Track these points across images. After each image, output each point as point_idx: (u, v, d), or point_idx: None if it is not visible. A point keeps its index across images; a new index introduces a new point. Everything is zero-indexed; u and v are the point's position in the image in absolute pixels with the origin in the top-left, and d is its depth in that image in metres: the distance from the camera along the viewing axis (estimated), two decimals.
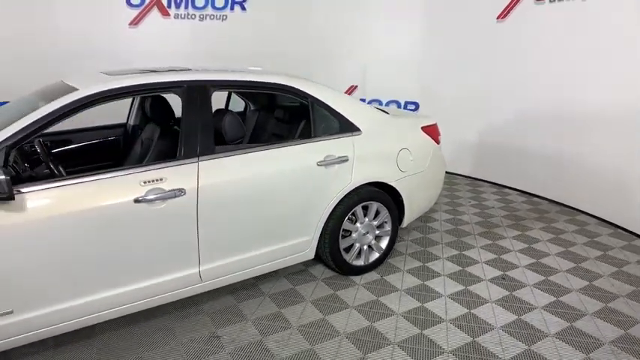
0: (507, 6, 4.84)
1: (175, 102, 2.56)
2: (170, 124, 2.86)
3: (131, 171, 2.09)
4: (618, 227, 3.90)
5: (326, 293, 2.80)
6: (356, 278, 2.99)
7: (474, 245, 3.52)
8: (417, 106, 6.06)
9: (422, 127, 3.27)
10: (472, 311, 2.60)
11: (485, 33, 5.06)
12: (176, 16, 6.29)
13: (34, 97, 2.45)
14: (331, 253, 2.85)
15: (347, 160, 2.75)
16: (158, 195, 2.11)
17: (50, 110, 2.00)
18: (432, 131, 3.32)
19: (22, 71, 5.29)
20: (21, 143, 1.94)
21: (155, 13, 6.18)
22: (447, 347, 2.28)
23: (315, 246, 2.80)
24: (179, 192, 2.16)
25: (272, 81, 2.67)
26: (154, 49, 6.16)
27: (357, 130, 2.86)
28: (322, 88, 2.82)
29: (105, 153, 3.33)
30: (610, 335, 2.36)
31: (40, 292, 1.94)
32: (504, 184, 5.16)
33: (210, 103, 2.39)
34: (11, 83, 5.19)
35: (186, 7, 6.32)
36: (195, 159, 2.25)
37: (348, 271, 2.99)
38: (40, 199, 1.86)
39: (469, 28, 5.21)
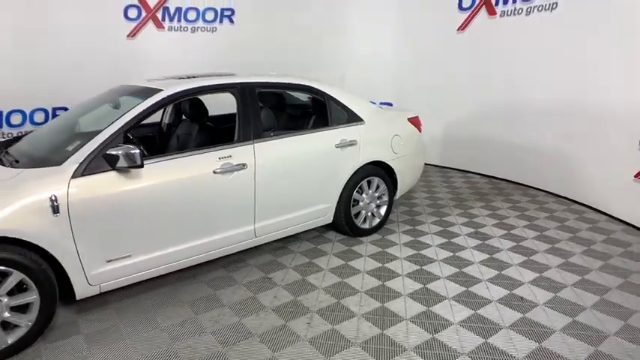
0: (465, 20, 5.83)
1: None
2: (204, 120, 3.54)
3: (211, 150, 2.78)
4: (561, 197, 4.91)
5: (343, 249, 3.56)
6: (363, 238, 3.77)
7: (450, 213, 4.40)
8: (391, 105, 6.96)
9: (408, 118, 4.11)
10: (456, 254, 3.45)
11: (448, 42, 6.02)
12: (170, 29, 6.88)
13: (108, 97, 3.07)
14: (345, 217, 3.62)
15: (356, 143, 3.54)
16: (229, 168, 2.81)
17: (149, 105, 2.66)
18: (415, 122, 4.17)
19: (26, 80, 5.72)
20: (130, 129, 2.58)
21: (151, 25, 6.74)
22: (442, 275, 3.10)
23: (333, 212, 3.56)
24: (243, 166, 2.87)
25: (298, 82, 3.44)
26: (150, 59, 6.71)
27: (361, 120, 3.66)
28: (334, 88, 3.61)
29: (145, 146, 3.93)
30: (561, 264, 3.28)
31: (150, 240, 2.59)
32: (468, 169, 6.12)
33: (257, 99, 3.11)
34: (15, 91, 5.64)
35: (179, 20, 6.91)
36: (251, 141, 2.97)
37: (357, 233, 3.76)
38: (155, 169, 2.52)
39: (434, 38, 6.16)
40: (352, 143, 3.52)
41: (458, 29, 5.92)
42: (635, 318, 2.59)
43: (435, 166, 6.45)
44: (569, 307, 2.71)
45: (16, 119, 5.87)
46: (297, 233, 3.51)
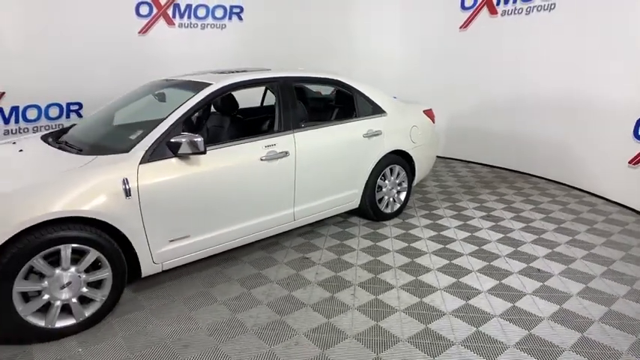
0: (468, 18, 6.14)
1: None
2: (234, 113, 3.77)
3: (259, 139, 3.02)
4: (560, 183, 5.26)
5: (369, 231, 3.83)
6: (386, 222, 4.04)
7: (461, 199, 4.71)
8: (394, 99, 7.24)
9: (423, 111, 4.40)
10: (474, 234, 3.75)
11: (451, 40, 6.33)
12: (180, 25, 7.04)
13: (149, 90, 3.34)
14: (370, 202, 3.89)
15: (380, 133, 3.81)
16: (273, 155, 3.05)
17: (202, 97, 2.88)
18: (429, 114, 4.46)
19: (41, 76, 5.84)
20: (186, 119, 2.80)
21: (162, 22, 6.89)
22: (464, 252, 3.39)
23: (360, 197, 3.83)
24: (285, 154, 3.12)
25: (328, 77, 3.69)
26: (161, 55, 6.88)
27: (384, 112, 3.93)
28: (359, 82, 3.87)
29: None
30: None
31: (206, 222, 2.82)
32: (471, 160, 6.45)
33: (295, 92, 3.36)
34: (30, 86, 5.76)
35: (189, 17, 7.08)
36: (292, 131, 3.22)
37: (380, 217, 4.04)
38: (211, 156, 2.74)
39: (438, 35, 6.47)
40: (377, 133, 3.79)
41: (460, 27, 6.24)
42: (639, 283, 2.93)
43: (439, 157, 6.75)
44: (581, 276, 3.03)
45: (31, 114, 5.98)
46: (324, 218, 3.76)
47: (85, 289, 2.40)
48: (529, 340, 2.34)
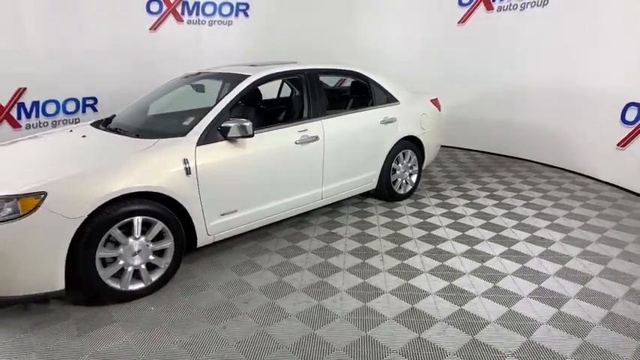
0: (465, 14, 6.53)
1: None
2: (258, 104, 4.09)
3: (293, 124, 3.36)
4: (553, 166, 5.70)
5: (386, 210, 4.19)
6: (399, 202, 4.41)
7: (464, 182, 5.11)
8: None
9: (430, 100, 4.77)
10: (480, 211, 4.14)
11: (449, 34, 6.71)
12: (189, 22, 7.32)
13: (185, 82, 3.71)
14: (386, 184, 4.25)
15: (395, 120, 4.17)
16: (306, 139, 3.39)
17: (244, 87, 3.21)
18: (436, 103, 4.84)
19: (58, 72, 6.08)
20: (233, 107, 3.13)
21: (171, 19, 7.16)
22: (474, 225, 3.78)
23: (377, 179, 4.19)
24: (315, 138, 3.46)
25: (347, 69, 4.04)
26: (171, 51, 7.15)
27: (397, 100, 4.30)
28: (375, 73, 4.23)
29: None
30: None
31: (251, 198, 3.15)
32: (470, 147, 6.86)
33: (321, 83, 3.70)
34: (49, 82, 5.98)
35: (197, 14, 7.35)
36: (320, 117, 3.56)
37: (394, 198, 4.40)
38: (257, 139, 3.07)
39: (437, 30, 6.85)
40: (392, 120, 4.15)
41: (458, 22, 6.62)
42: (631, 246, 3.35)
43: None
44: (579, 242, 3.44)
45: (50, 109, 6.22)
46: (343, 199, 4.11)
47: (151, 257, 2.72)
48: (539, 291, 2.74)
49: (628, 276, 2.93)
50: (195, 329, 2.40)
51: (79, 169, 2.49)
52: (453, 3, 6.63)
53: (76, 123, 6.43)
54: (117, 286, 2.60)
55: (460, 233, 3.63)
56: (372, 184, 4.18)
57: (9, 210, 2.26)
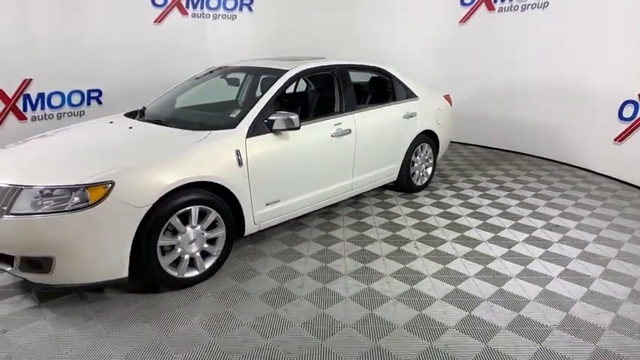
0: (467, 13, 6.77)
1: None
2: (280, 97, 4.20)
3: (329, 117, 3.49)
4: (552, 160, 6.01)
5: (406, 201, 4.38)
6: (417, 193, 4.61)
7: (473, 174, 5.35)
8: None
9: (444, 95, 4.98)
10: (495, 201, 4.38)
11: (451, 33, 6.94)
12: (193, 15, 7.31)
13: (216, 75, 3.85)
14: (406, 176, 4.44)
15: (415, 115, 4.35)
16: (340, 132, 3.53)
17: (284, 81, 3.32)
18: (448, 98, 5.04)
19: (63, 64, 6.01)
20: (276, 101, 3.24)
21: (175, 12, 7.14)
22: (493, 214, 4.01)
23: (398, 171, 4.36)
24: (349, 131, 3.61)
25: (371, 65, 4.20)
26: (175, 44, 7.14)
27: (416, 96, 4.48)
28: (397, 70, 4.39)
29: None
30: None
31: (292, 188, 3.27)
32: (471, 142, 7.12)
33: (350, 78, 3.83)
34: (53, 74, 5.90)
35: (201, 7, 7.35)
36: (352, 112, 3.70)
37: (412, 189, 4.59)
38: (300, 131, 3.18)
39: (440, 29, 7.07)
40: (412, 115, 4.33)
41: (460, 21, 6.86)
42: (638, 231, 3.64)
43: None
44: (593, 229, 3.71)
45: (56, 101, 6.14)
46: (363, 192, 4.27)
47: (205, 245, 2.81)
48: (566, 273, 2.97)
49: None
50: (258, 312, 2.52)
51: (143, 160, 2.56)
52: (455, 2, 6.86)
53: (81, 116, 6.38)
54: (175, 273, 2.69)
55: (481, 222, 3.85)
56: (393, 177, 4.35)
57: (76, 199, 2.32)
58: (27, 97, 5.77)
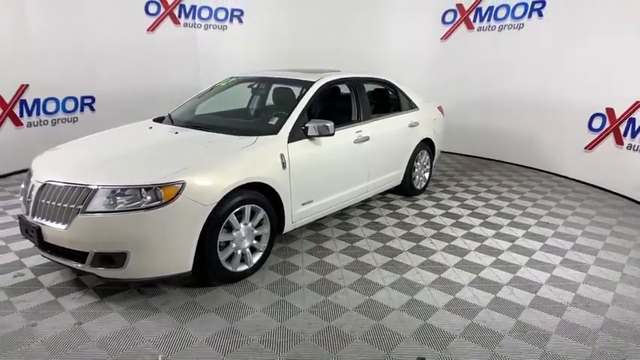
0: (448, 31, 7.34)
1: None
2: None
3: (352, 126, 3.81)
4: (529, 167, 6.62)
5: (410, 203, 4.76)
6: (417, 196, 5.01)
7: (461, 179, 5.84)
8: None
9: (437, 107, 5.44)
10: (488, 202, 4.85)
11: (433, 48, 7.49)
12: (185, 25, 7.48)
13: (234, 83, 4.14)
14: (409, 180, 4.83)
15: (418, 124, 4.76)
16: (361, 139, 3.86)
17: (314, 91, 3.61)
18: (440, 109, 5.51)
19: (57, 70, 6.02)
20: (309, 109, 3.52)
21: (168, 21, 7.29)
22: (490, 214, 4.46)
23: (403, 176, 4.74)
24: (367, 138, 3.94)
25: (380, 78, 4.58)
26: (167, 52, 7.28)
27: (417, 107, 4.90)
28: (399, 83, 4.80)
29: None
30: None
31: (322, 189, 3.56)
32: (452, 151, 7.65)
33: (365, 89, 4.18)
34: (49, 80, 5.89)
35: (193, 17, 7.53)
36: (368, 120, 4.05)
37: (412, 192, 4.98)
38: (333, 137, 3.47)
39: (422, 45, 7.60)
40: (415, 124, 4.73)
41: (442, 38, 7.43)
42: (615, 227, 4.20)
43: None
44: (577, 226, 4.23)
45: (51, 107, 6.10)
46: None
47: (254, 241, 3.04)
48: (565, 262, 3.43)
49: (623, 248, 3.73)
50: (312, 301, 2.77)
51: (206, 162, 2.77)
52: (437, 21, 7.42)
53: (74, 122, 6.35)
54: (229, 267, 2.89)
55: (482, 220, 4.29)
56: (398, 180, 4.72)
57: (148, 198, 2.50)
58: (23, 102, 5.70)
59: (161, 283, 2.87)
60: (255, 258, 3.08)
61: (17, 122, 5.65)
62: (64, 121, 6.26)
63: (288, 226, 3.33)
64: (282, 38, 8.09)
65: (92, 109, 6.60)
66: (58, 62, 6.01)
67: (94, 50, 6.39)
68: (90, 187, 2.48)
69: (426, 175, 5.18)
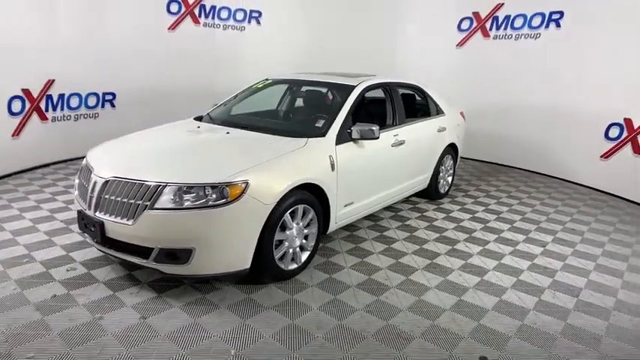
0: (463, 38, 7.47)
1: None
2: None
3: (390, 129, 3.90)
4: (543, 174, 6.76)
5: (435, 207, 4.85)
6: (441, 200, 5.10)
7: (479, 184, 5.95)
8: None
9: (460, 112, 5.55)
10: (512, 207, 4.96)
11: (448, 55, 7.62)
12: (205, 25, 7.51)
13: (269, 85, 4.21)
14: (435, 184, 4.92)
15: (445, 129, 4.86)
16: (397, 143, 3.95)
17: (356, 95, 3.68)
18: (462, 115, 5.62)
19: (83, 66, 6.03)
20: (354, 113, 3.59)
21: (188, 20, 7.32)
22: (516, 219, 4.57)
23: (429, 180, 4.83)
24: (403, 142, 4.02)
25: (411, 83, 4.67)
26: (186, 51, 7.30)
27: (444, 112, 5.00)
28: (429, 88, 4.89)
29: None
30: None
31: (363, 190, 3.63)
32: (465, 156, 7.76)
33: (400, 94, 4.27)
34: (72, 77, 5.90)
35: (213, 17, 7.57)
36: (403, 124, 4.13)
37: (436, 196, 5.08)
38: (375, 140, 3.54)
39: (437, 51, 7.73)
40: (443, 129, 4.83)
41: (457, 45, 7.55)
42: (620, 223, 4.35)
43: None
44: (603, 232, 4.36)
45: (74, 102, 6.10)
46: None
47: (304, 241, 3.10)
48: (600, 268, 3.54)
49: None
50: (364, 300, 2.84)
51: (266, 162, 2.82)
52: (452, 28, 7.54)
53: (95, 118, 6.35)
54: (282, 266, 2.95)
55: (510, 225, 4.39)
56: (425, 184, 4.81)
57: (214, 196, 2.55)
58: (49, 97, 5.70)
59: (215, 280, 2.92)
60: (304, 257, 3.14)
61: (43, 117, 5.65)
62: (86, 116, 6.26)
63: (333, 227, 3.39)
64: (299, 40, 8.17)
65: (112, 106, 6.61)
66: (82, 58, 6.01)
67: (116, 47, 6.40)
68: (158, 183, 2.53)
69: (449, 179, 5.28)
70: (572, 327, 2.66)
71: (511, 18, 6.95)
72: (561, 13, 6.33)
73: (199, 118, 3.96)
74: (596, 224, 4.59)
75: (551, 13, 6.45)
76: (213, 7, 7.52)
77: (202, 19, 7.46)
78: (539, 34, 6.62)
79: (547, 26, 6.52)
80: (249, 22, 7.93)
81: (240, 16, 7.83)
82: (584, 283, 3.25)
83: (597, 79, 5.91)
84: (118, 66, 6.53)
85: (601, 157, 5.90)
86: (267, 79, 4.45)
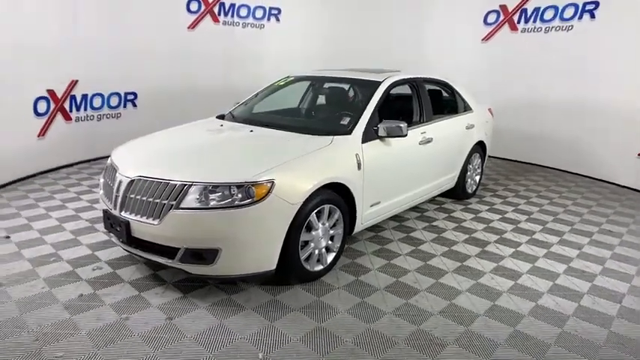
0: (490, 32, 7.26)
1: None
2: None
3: (417, 127, 3.78)
4: (571, 172, 6.51)
5: (463, 207, 4.70)
6: (468, 200, 4.94)
7: (508, 184, 5.75)
8: None
9: (488, 109, 5.37)
10: (542, 208, 4.77)
11: (473, 50, 7.42)
12: (224, 23, 7.49)
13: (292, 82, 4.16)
14: (462, 183, 4.76)
15: (473, 127, 4.70)
16: (425, 140, 3.82)
17: (382, 91, 3.57)
18: (490, 111, 5.44)
19: (105, 67, 6.05)
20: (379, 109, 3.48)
21: (208, 19, 7.31)
22: (548, 220, 4.39)
23: (456, 179, 4.68)
24: (430, 139, 3.90)
25: (439, 79, 4.53)
26: (206, 49, 7.29)
27: (472, 109, 4.84)
28: (457, 84, 4.74)
29: None
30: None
31: (390, 190, 3.52)
32: (492, 155, 7.54)
33: (427, 90, 4.14)
34: (96, 77, 5.92)
35: (232, 15, 7.54)
36: (430, 122, 4.00)
37: (463, 196, 4.92)
38: (402, 138, 3.43)
39: (462, 46, 7.53)
40: (471, 127, 4.67)
41: (483, 39, 7.34)
42: None
43: None
44: None
45: (97, 102, 6.14)
46: None
47: (329, 242, 3.02)
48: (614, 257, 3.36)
49: None
50: (393, 303, 2.74)
51: (291, 161, 2.74)
52: (478, 22, 7.34)
53: (117, 118, 6.39)
54: (308, 267, 2.87)
55: (542, 227, 4.21)
56: (452, 183, 4.66)
57: (239, 196, 2.48)
58: (73, 98, 5.75)
59: (241, 281, 2.86)
60: (330, 258, 3.05)
61: (67, 117, 5.71)
62: (108, 116, 6.31)
63: (358, 227, 3.30)
64: (320, 37, 8.07)
65: (134, 105, 6.65)
66: (105, 58, 6.05)
67: (137, 46, 6.42)
68: (184, 183, 2.48)
69: (477, 178, 5.12)
70: (617, 335, 2.51)
71: (541, 10, 6.71)
72: (596, 4, 6.07)
73: (221, 117, 3.92)
74: (634, 226, 4.37)
75: (584, 4, 6.19)
76: (232, 5, 7.50)
77: (222, 18, 7.45)
78: (572, 25, 6.37)
79: (580, 17, 6.27)
80: (269, 19, 7.88)
81: (259, 13, 7.78)
82: (627, 288, 3.08)
83: (636, 72, 5.64)
84: (139, 66, 6.56)
85: (638, 155, 5.64)
86: (288, 77, 4.38)
